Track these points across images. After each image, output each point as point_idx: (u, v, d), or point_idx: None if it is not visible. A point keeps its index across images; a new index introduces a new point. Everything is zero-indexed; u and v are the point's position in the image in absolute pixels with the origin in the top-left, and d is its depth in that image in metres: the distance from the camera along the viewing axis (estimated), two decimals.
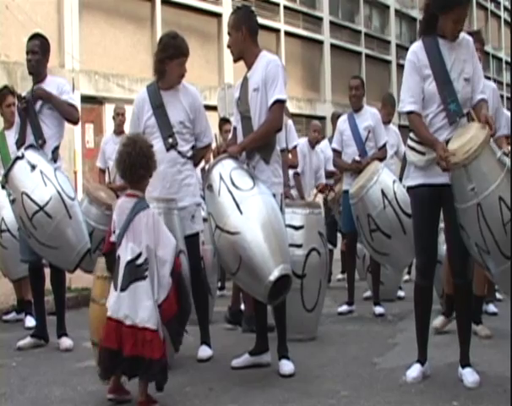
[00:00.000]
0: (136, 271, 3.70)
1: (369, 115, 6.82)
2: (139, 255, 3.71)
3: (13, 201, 5.19)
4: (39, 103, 5.52)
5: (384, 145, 6.81)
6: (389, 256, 6.28)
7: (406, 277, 8.38)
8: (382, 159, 6.69)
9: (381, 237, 6.14)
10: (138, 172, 3.87)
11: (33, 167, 5.10)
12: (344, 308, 6.69)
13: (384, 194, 6.12)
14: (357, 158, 6.62)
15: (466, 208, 3.81)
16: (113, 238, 3.83)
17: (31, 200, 5.04)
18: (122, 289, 3.69)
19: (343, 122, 6.93)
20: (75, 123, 5.75)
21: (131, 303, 3.67)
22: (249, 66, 4.69)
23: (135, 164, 3.85)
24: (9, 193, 5.23)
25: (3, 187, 5.31)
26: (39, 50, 5.57)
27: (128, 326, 3.65)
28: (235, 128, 4.84)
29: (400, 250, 6.21)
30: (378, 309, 6.54)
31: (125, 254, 3.72)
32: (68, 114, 5.54)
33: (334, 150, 6.98)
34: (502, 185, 3.78)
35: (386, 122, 7.49)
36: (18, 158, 5.18)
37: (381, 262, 6.52)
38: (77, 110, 5.67)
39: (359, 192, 6.21)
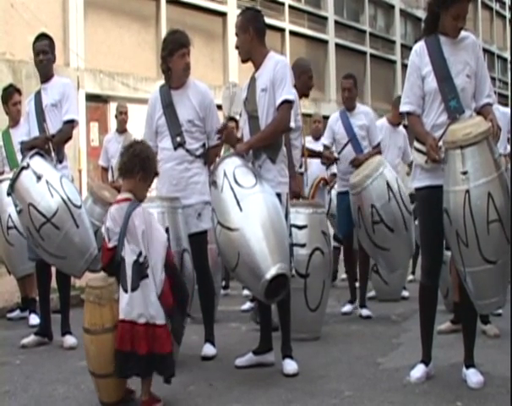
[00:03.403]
0: (141, 270, 3.71)
1: (363, 114, 6.75)
2: (140, 253, 3.72)
3: (19, 212, 5.16)
4: (45, 102, 5.54)
5: (379, 144, 6.74)
6: (389, 252, 6.16)
7: (411, 277, 8.38)
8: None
9: (384, 230, 6.03)
10: (125, 167, 3.93)
11: (39, 178, 5.07)
12: (347, 307, 6.68)
13: (389, 186, 6.05)
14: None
15: (455, 192, 3.81)
16: (111, 244, 3.79)
17: (38, 211, 5.02)
18: (134, 289, 3.69)
19: (335, 120, 6.83)
20: (69, 139, 5.70)
21: (143, 301, 3.68)
22: (257, 66, 4.70)
23: (125, 161, 3.93)
24: (16, 203, 5.20)
25: (9, 194, 5.25)
26: (49, 49, 5.60)
27: (142, 325, 3.66)
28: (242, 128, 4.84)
29: (399, 248, 6.15)
30: (365, 312, 6.49)
31: (129, 255, 3.72)
32: (63, 139, 5.54)
33: (325, 147, 6.86)
34: (493, 183, 3.78)
35: (396, 124, 7.43)
36: (23, 168, 5.14)
37: (376, 258, 6.44)
38: (73, 123, 5.61)
39: (363, 181, 6.10)
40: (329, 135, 6.87)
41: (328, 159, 6.69)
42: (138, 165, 3.91)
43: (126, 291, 3.71)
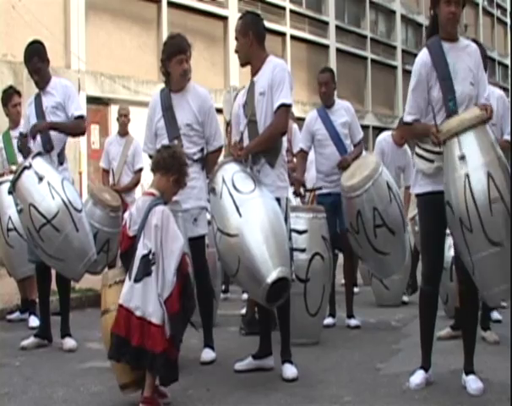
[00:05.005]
0: (148, 266, 3.77)
1: (344, 110, 6.37)
2: (150, 250, 3.78)
3: (20, 211, 5.16)
4: (45, 104, 5.54)
5: (360, 142, 6.41)
6: (388, 256, 5.86)
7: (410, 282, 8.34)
8: (359, 155, 6.29)
9: (386, 233, 5.72)
10: (164, 162, 4.04)
11: (40, 179, 5.07)
12: (329, 320, 6.23)
13: (389, 186, 5.80)
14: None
15: (455, 179, 3.79)
16: (132, 233, 3.88)
17: (39, 212, 5.02)
18: (136, 280, 3.77)
19: (314, 120, 6.34)
20: (82, 134, 5.77)
21: (142, 295, 3.74)
22: (256, 70, 4.70)
23: (165, 158, 4.06)
24: (16, 202, 5.20)
25: (10, 193, 5.27)
26: (41, 65, 5.57)
27: (138, 317, 3.72)
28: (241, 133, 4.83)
29: (398, 251, 5.94)
30: (354, 322, 6.27)
31: (141, 248, 3.81)
32: (74, 130, 5.59)
33: (302, 151, 6.42)
34: (493, 164, 3.76)
35: (400, 144, 7.28)
36: (25, 168, 5.13)
37: (371, 264, 6.20)
38: (83, 119, 5.63)
39: (365, 182, 5.67)
40: (306, 138, 6.40)
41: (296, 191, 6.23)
42: (176, 166, 4.03)
43: (129, 279, 3.80)
